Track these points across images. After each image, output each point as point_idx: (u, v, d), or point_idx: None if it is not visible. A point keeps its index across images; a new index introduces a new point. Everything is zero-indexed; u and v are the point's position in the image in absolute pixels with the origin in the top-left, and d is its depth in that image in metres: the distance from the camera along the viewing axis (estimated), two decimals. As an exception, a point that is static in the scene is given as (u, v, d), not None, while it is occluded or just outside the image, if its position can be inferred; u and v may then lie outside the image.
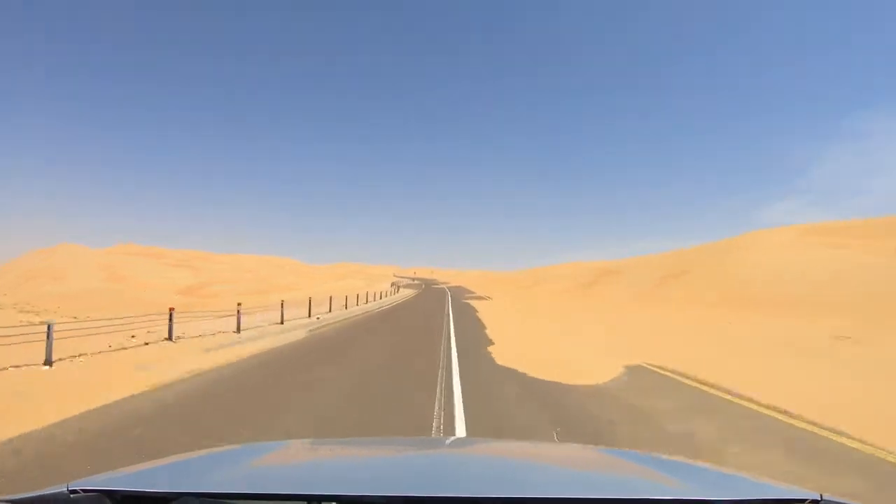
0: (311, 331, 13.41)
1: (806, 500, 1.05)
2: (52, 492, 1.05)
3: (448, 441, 3.10)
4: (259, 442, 2.33)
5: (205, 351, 8.87)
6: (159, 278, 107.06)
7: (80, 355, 7.52)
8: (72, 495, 1.03)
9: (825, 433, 4.61)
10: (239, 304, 11.78)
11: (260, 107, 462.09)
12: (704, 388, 6.73)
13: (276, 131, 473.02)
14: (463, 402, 5.69)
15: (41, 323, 8.53)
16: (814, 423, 4.89)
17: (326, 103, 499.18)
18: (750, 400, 5.89)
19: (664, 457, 1.78)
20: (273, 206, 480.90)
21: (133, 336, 9.68)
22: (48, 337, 6.77)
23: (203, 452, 1.75)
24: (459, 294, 40.75)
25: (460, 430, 4.63)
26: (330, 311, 20.38)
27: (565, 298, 39.30)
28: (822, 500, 1.05)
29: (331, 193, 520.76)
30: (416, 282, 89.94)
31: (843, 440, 4.42)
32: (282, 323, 14.28)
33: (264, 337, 11.30)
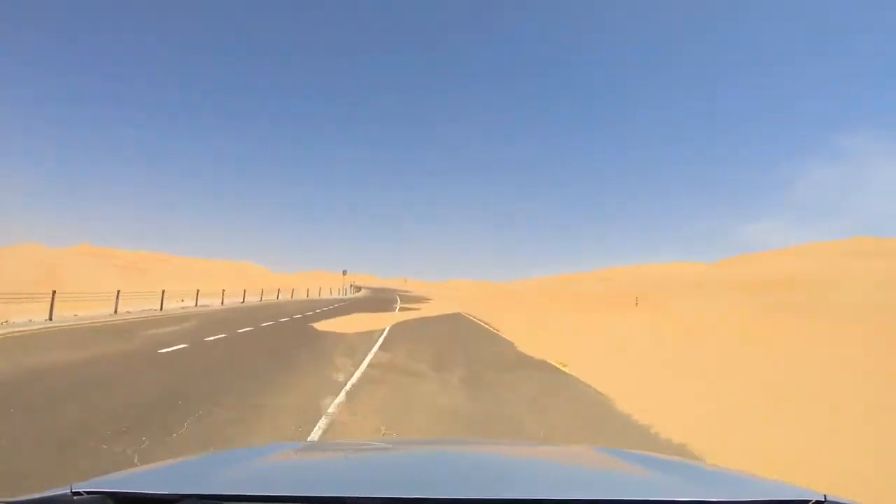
0: None
1: (810, 500, 1.04)
2: (54, 494, 1.05)
3: (446, 442, 3.09)
4: (259, 445, 2.14)
5: None
6: (99, 279, 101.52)
7: None
8: (75, 497, 1.03)
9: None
10: None
11: (255, 110, 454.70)
12: None
13: (262, 136, 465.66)
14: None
15: None
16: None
17: (319, 110, 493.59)
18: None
19: (666, 457, 1.82)
20: (261, 212, 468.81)
21: None
22: None
23: (205, 454, 1.88)
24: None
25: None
26: None
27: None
28: (825, 500, 1.04)
29: (317, 203, 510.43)
30: (358, 293, 61.53)
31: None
32: None
33: None
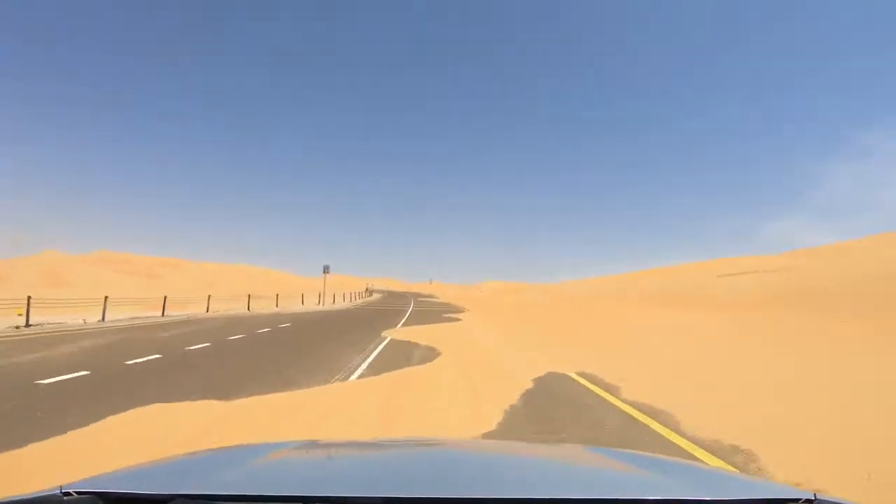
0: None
1: (800, 499, 1.04)
2: (44, 494, 1.02)
3: (443, 442, 3.04)
4: (255, 443, 2.01)
5: None
6: (103, 285, 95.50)
7: None
8: (65, 497, 1.00)
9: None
10: None
11: (277, 117, 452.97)
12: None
13: (284, 141, 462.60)
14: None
15: None
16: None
17: (337, 113, 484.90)
18: None
19: (658, 456, 1.80)
20: (286, 217, 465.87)
21: None
22: None
23: (198, 453, 1.76)
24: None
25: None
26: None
27: None
28: (815, 499, 1.03)
29: (341, 206, 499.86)
30: (369, 297, 52.69)
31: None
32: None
33: None
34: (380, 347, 12.20)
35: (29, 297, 14.13)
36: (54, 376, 7.00)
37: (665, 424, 5.10)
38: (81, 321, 15.66)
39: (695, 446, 4.37)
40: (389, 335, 15.28)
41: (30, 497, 1.02)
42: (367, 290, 69.03)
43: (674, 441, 4.58)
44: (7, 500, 1.00)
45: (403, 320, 22.76)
